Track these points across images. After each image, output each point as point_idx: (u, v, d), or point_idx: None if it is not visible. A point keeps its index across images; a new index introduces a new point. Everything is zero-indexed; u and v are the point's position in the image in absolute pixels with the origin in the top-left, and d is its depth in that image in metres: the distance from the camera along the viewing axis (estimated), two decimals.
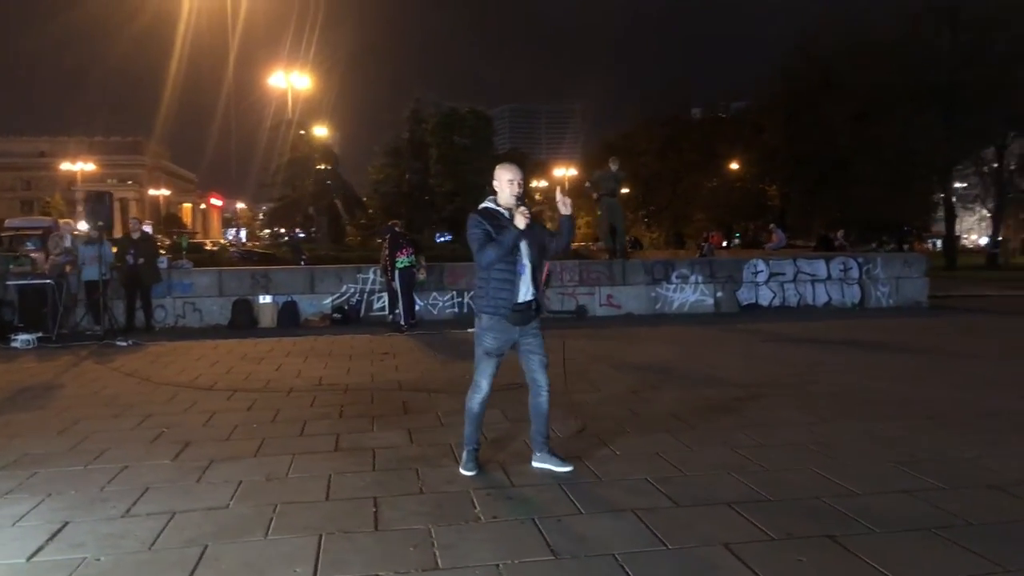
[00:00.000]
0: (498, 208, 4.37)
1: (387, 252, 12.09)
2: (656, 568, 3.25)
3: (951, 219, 36.69)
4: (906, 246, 39.42)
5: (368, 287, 13.41)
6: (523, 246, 4.28)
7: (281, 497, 4.18)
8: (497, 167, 4.48)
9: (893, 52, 32.00)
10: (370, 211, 41.94)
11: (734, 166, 49.36)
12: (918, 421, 5.68)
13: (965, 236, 44.13)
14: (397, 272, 11.79)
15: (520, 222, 4.20)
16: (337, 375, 7.98)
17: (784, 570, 3.21)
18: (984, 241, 46.59)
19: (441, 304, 13.58)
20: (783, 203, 45.44)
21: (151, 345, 10.52)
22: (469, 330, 11.78)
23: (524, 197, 4.37)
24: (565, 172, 60.92)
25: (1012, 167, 35.31)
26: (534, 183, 69.56)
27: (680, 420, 5.78)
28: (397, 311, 12.16)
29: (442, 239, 39.63)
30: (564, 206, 4.35)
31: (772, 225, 24.84)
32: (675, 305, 14.24)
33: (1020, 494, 4.08)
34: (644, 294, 14.15)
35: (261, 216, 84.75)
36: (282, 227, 43.09)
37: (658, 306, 14.15)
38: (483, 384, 4.42)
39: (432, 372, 8.22)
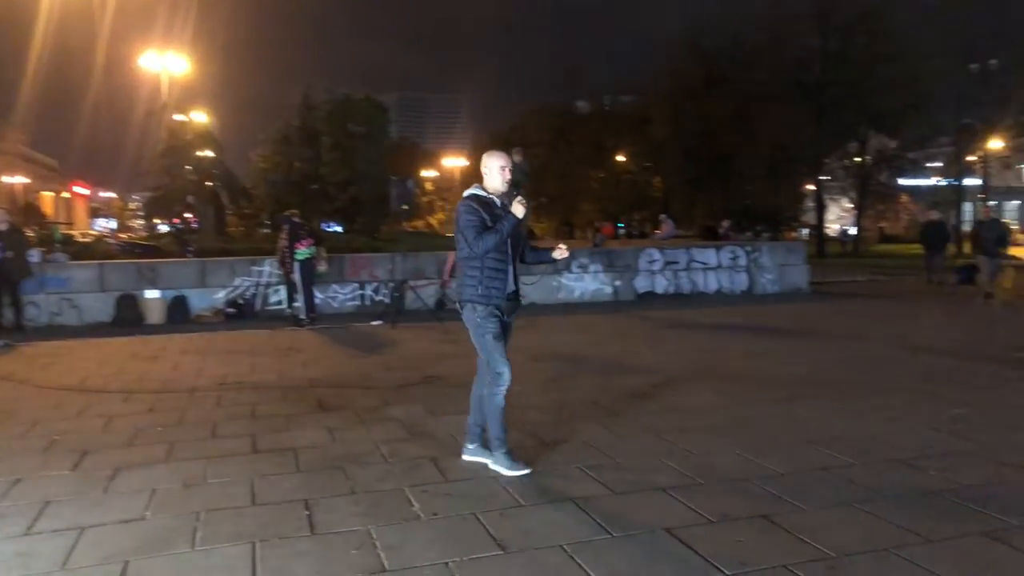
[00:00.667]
0: (489, 196, 4.28)
1: (285, 243, 11.63)
2: (605, 556, 3.27)
3: (821, 210, 39.14)
4: (779, 235, 41.72)
5: (264, 280, 12.87)
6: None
7: (203, 504, 3.93)
8: (485, 154, 4.41)
9: (769, 52, 33.82)
10: (256, 201, 40.17)
11: (621, 158, 50.78)
12: (821, 401, 6.00)
13: (827, 226, 47.31)
14: (297, 264, 11.37)
15: (519, 211, 4.15)
16: (241, 373, 7.60)
17: (726, 551, 3.30)
18: (839, 229, 49.94)
19: (342, 296, 13.22)
20: (667, 194, 47.14)
21: (25, 346, 9.69)
22: (373, 323, 11.60)
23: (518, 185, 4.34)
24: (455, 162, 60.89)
25: (871, 161, 38.06)
26: (423, 172, 69.12)
27: (602, 408, 5.87)
28: (296, 304, 11.74)
29: (330, 229, 38.43)
30: (559, 252, 4.44)
31: (663, 215, 25.67)
32: (576, 294, 14.48)
33: (924, 467, 4.38)
34: (546, 283, 14.27)
35: (131, 206, 79.57)
36: (160, 218, 40.61)
37: (559, 295, 14.34)
38: (505, 372, 4.23)
39: (343, 367, 7.97)
